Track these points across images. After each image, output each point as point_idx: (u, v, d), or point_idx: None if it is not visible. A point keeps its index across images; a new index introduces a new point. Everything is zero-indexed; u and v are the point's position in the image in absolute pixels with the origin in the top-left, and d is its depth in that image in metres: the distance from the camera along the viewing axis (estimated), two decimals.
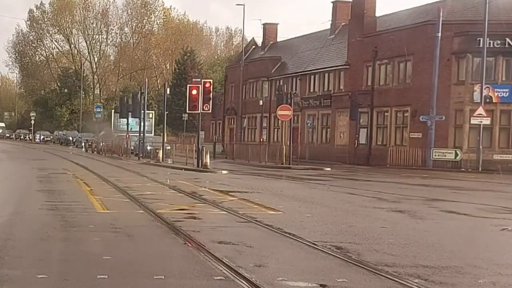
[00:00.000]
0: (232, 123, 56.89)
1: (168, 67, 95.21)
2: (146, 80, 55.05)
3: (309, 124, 45.61)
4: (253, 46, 59.27)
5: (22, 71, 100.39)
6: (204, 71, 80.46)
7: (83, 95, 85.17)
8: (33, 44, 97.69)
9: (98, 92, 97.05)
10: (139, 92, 37.91)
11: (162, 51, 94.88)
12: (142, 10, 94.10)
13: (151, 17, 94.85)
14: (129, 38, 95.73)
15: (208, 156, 29.57)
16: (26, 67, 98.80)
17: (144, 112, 37.63)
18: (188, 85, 30.60)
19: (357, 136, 40.33)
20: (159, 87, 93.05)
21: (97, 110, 47.56)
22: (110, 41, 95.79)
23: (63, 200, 15.22)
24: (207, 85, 29.74)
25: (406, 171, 31.90)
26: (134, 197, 15.74)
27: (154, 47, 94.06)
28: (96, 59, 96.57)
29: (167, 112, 75.43)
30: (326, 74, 45.77)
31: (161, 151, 33.14)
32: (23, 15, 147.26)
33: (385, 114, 40.37)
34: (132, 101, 38.68)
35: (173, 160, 34.67)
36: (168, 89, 35.40)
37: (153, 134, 58.53)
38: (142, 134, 38.09)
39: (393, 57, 39.66)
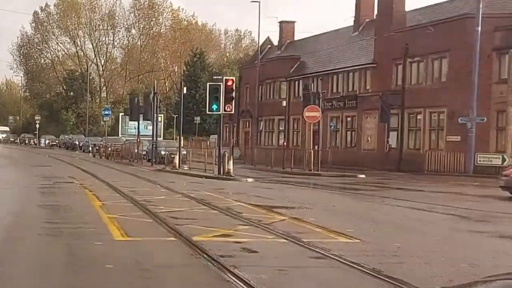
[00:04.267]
0: (247, 126, 53.74)
1: (176, 70, 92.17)
2: (155, 82, 52.13)
3: (332, 127, 42.42)
4: (269, 46, 56.09)
5: (27, 74, 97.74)
6: (214, 73, 77.46)
7: (90, 99, 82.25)
8: (38, 47, 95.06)
9: (105, 95, 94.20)
10: (152, 92, 34.78)
11: (170, 53, 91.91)
12: (150, 12, 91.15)
13: (159, 19, 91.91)
14: (136, 40, 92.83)
15: (231, 162, 26.42)
16: (31, 70, 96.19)
17: (157, 114, 34.50)
18: (208, 84, 27.49)
19: (388, 139, 37.14)
20: (168, 90, 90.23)
21: (105, 113, 44.43)
22: (117, 43, 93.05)
23: (69, 220, 12.15)
24: (229, 83, 26.65)
25: (449, 178, 28.68)
26: (158, 215, 12.64)
27: (162, 49, 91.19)
28: (102, 61, 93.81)
29: (176, 115, 72.72)
30: (351, 74, 42.59)
31: (177, 157, 30.00)
32: (27, 17, 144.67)
33: (418, 116, 37.16)
34: (143, 102, 35.55)
35: (189, 166, 31.55)
36: (185, 88, 32.10)
37: (162, 138, 55.52)
38: (154, 138, 34.95)
39: (426, 54, 36.45)
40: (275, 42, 55.97)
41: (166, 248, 9.31)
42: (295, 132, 47.43)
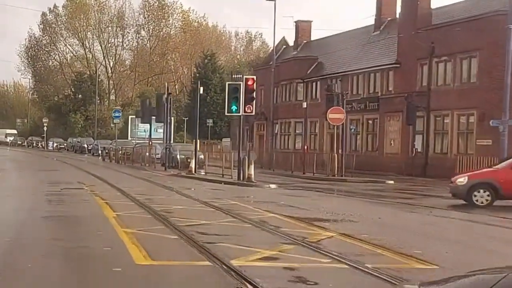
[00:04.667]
0: (262, 129, 51.85)
1: (186, 72, 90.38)
2: (166, 84, 50.39)
3: (352, 130, 40.45)
4: (284, 46, 54.24)
5: (34, 76, 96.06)
6: (226, 76, 75.79)
7: (98, 101, 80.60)
8: (46, 49, 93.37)
9: (114, 98, 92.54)
10: (166, 93, 32.95)
11: (180, 55, 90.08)
12: (160, 13, 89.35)
13: (169, 20, 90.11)
14: (146, 42, 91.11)
15: (252, 167, 24.55)
16: (39, 72, 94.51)
17: (170, 116, 32.66)
18: (227, 83, 25.65)
19: (414, 143, 35.20)
20: (178, 93, 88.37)
21: (116, 115, 42.63)
22: (126, 45, 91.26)
23: (79, 236, 10.34)
24: (250, 82, 24.82)
25: None
26: (183, 230, 10.82)
27: (172, 51, 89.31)
28: (111, 63, 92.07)
29: (187, 118, 71.03)
30: (372, 74, 40.68)
31: (193, 161, 28.12)
32: (35, 19, 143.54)
33: (445, 118, 35.20)
34: (156, 104, 33.73)
35: (205, 171, 29.69)
36: (201, 89, 30.28)
37: (172, 141, 53.75)
38: (168, 142, 33.11)
39: (454, 54, 34.49)
40: (291, 43, 54.14)
41: (201, 276, 7.47)
42: (312, 136, 45.55)
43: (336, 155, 30.13)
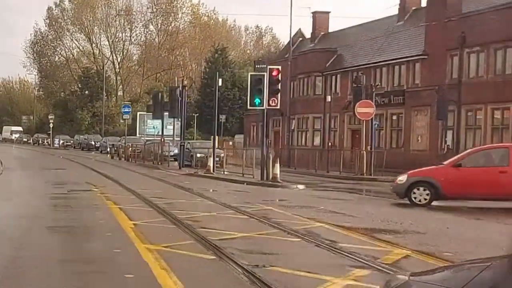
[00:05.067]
0: (278, 125, 49.60)
1: (195, 67, 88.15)
2: (176, 79, 48.28)
3: (376, 126, 38.03)
4: (300, 38, 51.90)
5: (40, 72, 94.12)
6: (237, 71, 73.67)
7: (106, 97, 78.54)
8: (52, 44, 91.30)
9: (121, 94, 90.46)
10: (180, 85, 30.70)
11: (189, 50, 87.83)
12: (168, 6, 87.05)
13: (178, 14, 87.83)
14: (154, 37, 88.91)
15: (277, 166, 22.33)
16: (44, 68, 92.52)
17: (185, 111, 30.42)
18: (249, 74, 23.42)
19: (445, 139, 32.91)
20: (187, 89, 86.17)
21: (125, 110, 40.39)
22: (134, 40, 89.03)
23: (92, 255, 8.19)
24: (274, 73, 22.61)
25: None
26: (220, 248, 8.64)
27: (181, 46, 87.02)
28: (119, 59, 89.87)
29: (197, 114, 68.86)
30: (397, 67, 38.35)
31: (211, 159, 25.86)
32: (40, 13, 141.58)
33: (478, 113, 32.89)
34: (169, 98, 31.46)
35: (223, 170, 27.43)
36: (220, 81, 28.05)
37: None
38: (183, 138, 30.89)
39: (487, 44, 32.17)
40: (307, 35, 51.86)
41: None
42: (332, 131, 43.27)
43: (364, 152, 27.86)
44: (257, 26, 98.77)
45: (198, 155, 28.41)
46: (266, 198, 16.76)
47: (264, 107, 22.66)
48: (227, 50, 76.96)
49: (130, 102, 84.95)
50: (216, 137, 27.69)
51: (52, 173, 26.74)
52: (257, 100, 22.14)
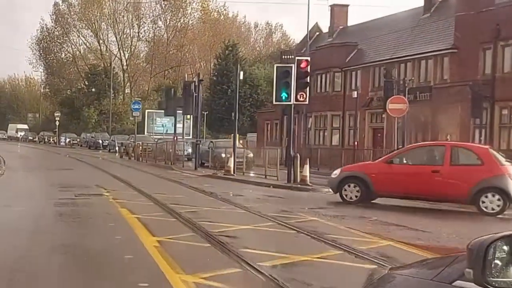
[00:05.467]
0: (294, 123, 47.30)
1: (205, 64, 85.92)
2: (186, 76, 46.19)
3: (400, 124, 35.79)
4: (317, 33, 49.65)
5: (46, 69, 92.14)
6: (248, 67, 71.47)
7: (113, 95, 76.53)
8: (58, 40, 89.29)
9: (129, 92, 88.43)
10: (196, 80, 28.51)
11: (198, 47, 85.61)
12: (177, 2, 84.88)
13: (187, 10, 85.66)
14: (163, 33, 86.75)
15: (307, 167, 20.15)
16: (51, 64, 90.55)
17: (200, 108, 28.22)
18: (275, 66, 21.25)
19: (480, 138, 30.68)
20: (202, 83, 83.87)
21: (135, 107, 38.13)
22: (142, 36, 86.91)
23: None
24: (303, 65, 20.47)
25: None
26: (278, 278, 6.46)
27: (190, 42, 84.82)
28: (126, 55, 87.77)
29: (207, 112, 66.85)
30: (423, 62, 36.11)
31: (231, 159, 23.60)
32: (46, 9, 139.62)
33: None
34: (183, 93, 29.27)
35: (244, 172, 25.20)
36: (241, 73, 25.87)
37: (191, 137, 49.49)
38: (199, 137, 28.71)
39: None
40: (324, 29, 49.66)
41: None
42: (350, 130, 41.11)
43: None
44: (267, 23, 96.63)
45: (223, 155, 25.82)
46: (303, 205, 14.60)
47: (291, 102, 20.50)
48: (238, 47, 74.82)
49: (140, 99, 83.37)
50: (237, 135, 25.46)
51: (58, 174, 24.68)
52: (284, 95, 19.99)
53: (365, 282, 3.38)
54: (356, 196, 15.01)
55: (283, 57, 20.81)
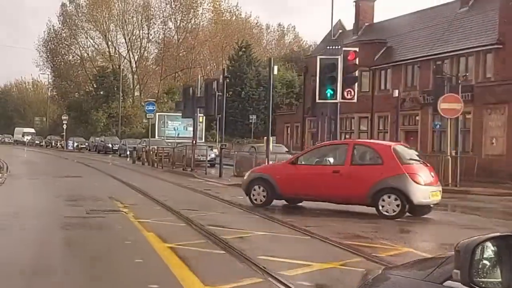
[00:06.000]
0: (314, 126, 44.39)
1: (216, 66, 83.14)
2: (199, 78, 43.27)
3: (437, 127, 32.75)
4: (340, 31, 46.68)
5: (54, 72, 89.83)
6: (262, 69, 68.65)
7: (122, 98, 73.92)
8: (66, 42, 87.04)
9: (138, 95, 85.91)
10: (221, 76, 25.57)
11: (210, 49, 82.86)
12: (188, 2, 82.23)
13: (198, 10, 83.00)
14: (173, 34, 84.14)
15: None
16: (58, 67, 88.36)
17: (224, 108, 25.22)
18: (318, 57, 18.33)
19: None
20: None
21: (149, 108, 35.10)
22: (152, 37, 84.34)
23: None
24: (350, 57, 17.56)
25: None
26: None
27: (201, 43, 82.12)
28: (136, 57, 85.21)
29: (219, 115, 63.98)
30: (462, 59, 33.05)
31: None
32: (54, 10, 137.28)
33: None
34: (205, 93, 26.35)
35: None
36: (275, 68, 22.93)
37: (203, 141, 46.61)
38: (222, 140, 25.74)
39: None
40: (348, 27, 46.74)
41: None
42: (381, 133, 38.16)
43: (449, 157, 22.64)
44: (279, 24, 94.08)
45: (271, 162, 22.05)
46: (364, 224, 11.65)
47: (337, 100, 17.57)
48: (252, 47, 72.19)
49: (154, 100, 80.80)
50: (271, 138, 22.48)
51: (66, 182, 21.82)
52: (329, 91, 17.09)
53: (359, 282, 3.42)
54: (263, 198, 14.38)
55: (328, 47, 17.87)
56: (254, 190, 14.48)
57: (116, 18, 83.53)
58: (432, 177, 13.23)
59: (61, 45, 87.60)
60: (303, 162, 14.24)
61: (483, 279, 2.51)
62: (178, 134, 53.04)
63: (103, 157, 47.92)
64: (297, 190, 14.04)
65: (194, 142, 28.57)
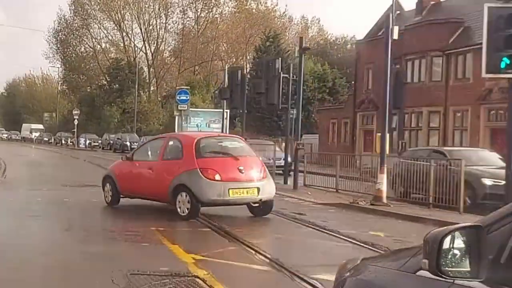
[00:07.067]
0: (370, 122, 37.83)
1: (239, 59, 76.95)
2: (225, 72, 37.07)
3: None
4: (397, 12, 40.06)
5: (64, 64, 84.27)
6: (291, 61, 62.24)
7: (138, 92, 68.14)
8: (77, 32, 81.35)
9: (155, 89, 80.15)
10: (299, 49, 18.68)
11: (233, 40, 76.66)
12: None
13: None
14: (193, 24, 78.04)
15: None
16: (69, 59, 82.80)
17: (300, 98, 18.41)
18: (485, 6, 11.73)
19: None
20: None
21: (182, 98, 28.21)
22: (170, 28, 78.35)
23: None
24: None
25: None
26: None
27: (222, 35, 76.08)
28: (152, 49, 79.19)
29: (246, 111, 57.58)
30: None
31: (384, 179, 13.30)
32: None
33: None
34: (264, 76, 19.76)
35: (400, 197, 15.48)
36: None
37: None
38: (299, 138, 19.15)
39: None
40: (406, 7, 40.22)
41: None
42: (457, 131, 31.62)
43: None
44: (303, 17, 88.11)
45: (488, 182, 14.26)
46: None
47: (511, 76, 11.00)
48: (279, 37, 66.12)
49: (165, 98, 74.63)
50: (387, 136, 15.97)
51: (77, 195, 15.50)
52: (505, 60, 10.47)
53: (338, 271, 3.51)
54: (111, 197, 13.51)
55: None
56: (105, 188, 13.80)
57: (132, 6, 77.67)
58: (242, 172, 11.45)
59: (72, 36, 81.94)
60: (135, 158, 13.45)
61: (451, 268, 2.56)
62: (200, 131, 47.29)
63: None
64: (130, 188, 13.15)
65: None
